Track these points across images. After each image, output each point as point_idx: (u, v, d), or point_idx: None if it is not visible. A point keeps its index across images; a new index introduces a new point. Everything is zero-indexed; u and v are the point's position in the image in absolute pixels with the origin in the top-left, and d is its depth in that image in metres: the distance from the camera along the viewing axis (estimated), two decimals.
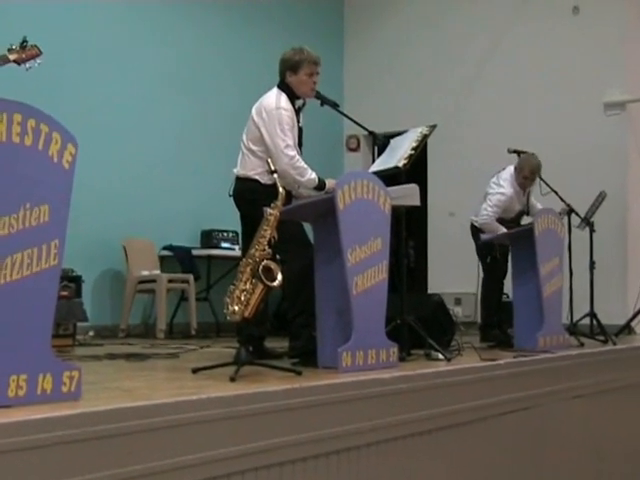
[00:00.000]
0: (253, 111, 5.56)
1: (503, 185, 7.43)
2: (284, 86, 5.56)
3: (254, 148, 5.50)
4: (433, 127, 5.81)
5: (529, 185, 7.49)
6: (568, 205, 7.77)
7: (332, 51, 11.73)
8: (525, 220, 7.54)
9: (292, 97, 5.53)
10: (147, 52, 9.31)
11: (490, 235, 7.11)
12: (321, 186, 5.44)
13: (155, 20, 9.43)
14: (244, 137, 5.62)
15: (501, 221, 7.35)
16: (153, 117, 9.30)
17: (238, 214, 5.66)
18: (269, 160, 4.68)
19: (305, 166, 5.42)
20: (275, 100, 5.46)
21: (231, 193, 5.63)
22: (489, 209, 7.34)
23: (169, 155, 9.41)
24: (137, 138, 9.07)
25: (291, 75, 5.53)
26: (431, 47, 11.39)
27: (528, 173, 7.36)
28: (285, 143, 5.37)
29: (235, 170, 5.64)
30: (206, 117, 9.84)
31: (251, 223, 4.94)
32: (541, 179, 7.35)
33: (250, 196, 5.40)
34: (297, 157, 5.41)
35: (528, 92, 10.57)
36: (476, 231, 7.40)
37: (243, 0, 10.42)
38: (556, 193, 7.55)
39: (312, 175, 5.42)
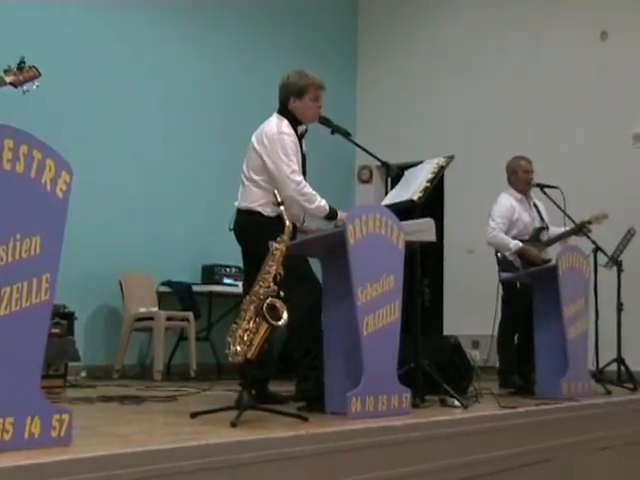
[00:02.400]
0: (253, 139, 5.55)
1: (499, 198, 7.54)
2: (285, 112, 5.57)
3: (256, 178, 5.48)
4: (450, 158, 5.80)
5: (528, 186, 7.51)
6: (594, 242, 7.76)
7: (345, 79, 11.90)
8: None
9: (294, 123, 5.54)
10: (146, 78, 9.38)
11: (510, 274, 7.12)
12: (332, 215, 5.41)
13: (154, 47, 9.48)
14: (245, 167, 5.60)
15: (521, 241, 7.33)
16: (152, 146, 9.35)
17: (241, 248, 5.62)
18: (275, 191, 4.68)
19: (313, 192, 5.39)
20: (276, 126, 5.47)
21: (232, 227, 5.60)
22: (492, 223, 7.38)
23: (169, 186, 9.46)
24: (135, 167, 9.10)
25: (295, 100, 5.54)
26: (448, 76, 11.46)
27: (523, 170, 7.49)
28: (290, 169, 5.35)
29: (236, 203, 5.61)
30: (210, 147, 9.88)
31: (254, 258, 4.93)
32: (565, 213, 7.34)
33: (253, 230, 5.38)
34: (304, 183, 5.39)
35: (552, 122, 10.62)
36: (500, 267, 7.42)
37: (251, 29, 10.57)
38: (578, 226, 7.46)
39: (322, 202, 5.39)
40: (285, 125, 5.48)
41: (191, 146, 9.74)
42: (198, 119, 9.88)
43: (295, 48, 10.77)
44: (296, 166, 5.39)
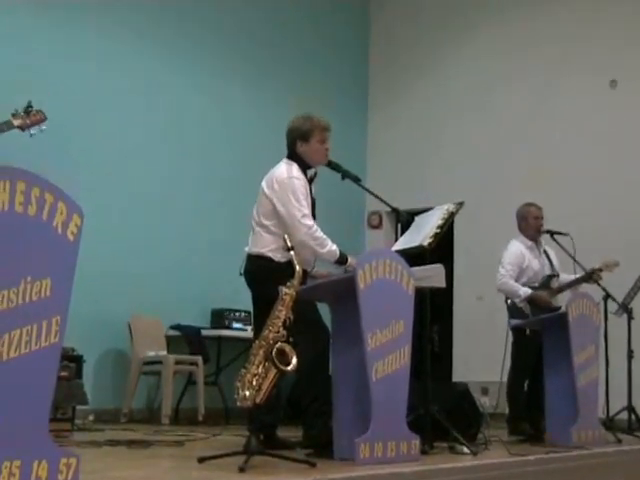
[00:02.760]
0: (263, 184, 5.56)
1: (509, 245, 7.55)
2: (294, 156, 5.59)
3: (266, 223, 5.48)
4: (460, 205, 5.82)
5: (538, 232, 7.51)
6: (604, 289, 7.75)
7: (355, 124, 11.95)
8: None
9: (303, 167, 5.55)
10: (155, 122, 9.39)
11: (520, 321, 7.10)
12: (343, 260, 5.40)
13: (164, 93, 9.50)
14: (255, 213, 5.61)
15: (531, 289, 7.32)
16: (163, 190, 9.36)
17: (251, 293, 5.61)
18: (286, 236, 4.67)
19: (325, 237, 5.39)
20: (286, 170, 5.48)
21: (242, 272, 5.58)
22: (502, 270, 7.39)
23: (179, 229, 9.45)
24: (146, 210, 9.11)
25: (302, 144, 5.55)
26: (458, 122, 11.50)
27: (533, 217, 7.50)
28: (302, 213, 5.36)
29: (246, 248, 5.60)
30: (220, 192, 9.85)
31: (264, 303, 4.88)
32: (575, 261, 7.33)
33: (263, 275, 5.36)
34: (316, 227, 5.39)
35: (563, 168, 10.59)
36: (510, 314, 7.38)
37: (261, 74, 10.58)
38: (588, 274, 7.39)
39: (333, 247, 5.39)
40: (295, 169, 5.50)
41: (202, 190, 9.75)
42: (208, 163, 9.90)
43: (305, 92, 10.75)
44: (307, 210, 5.40)
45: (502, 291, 7.42)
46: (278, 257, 5.32)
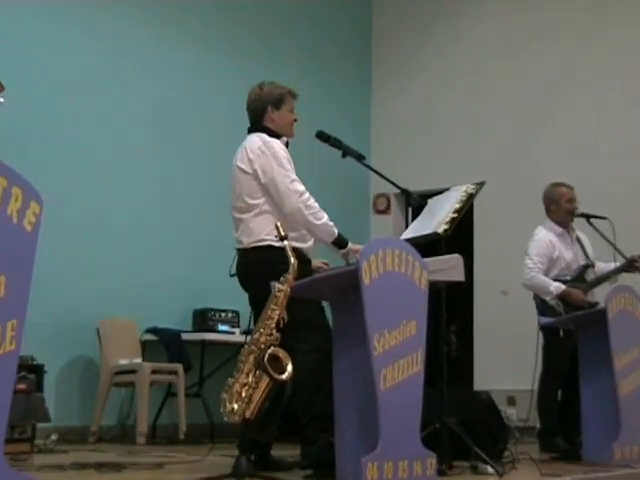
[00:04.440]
0: (237, 162, 5.54)
1: (536, 233, 7.54)
2: (261, 129, 5.59)
3: (255, 202, 5.41)
4: (481, 185, 5.80)
5: (571, 217, 7.50)
6: None
7: (357, 95, 11.86)
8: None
9: (275, 137, 5.58)
10: (131, 102, 9.34)
11: (551, 320, 7.09)
12: (342, 242, 5.39)
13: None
14: (235, 199, 5.55)
15: (563, 282, 7.33)
16: (134, 169, 9.27)
17: (239, 289, 5.55)
18: (278, 224, 4.62)
19: (319, 208, 5.36)
20: (260, 138, 5.50)
21: (234, 272, 5.51)
22: (529, 262, 7.39)
23: (156, 217, 9.38)
24: (117, 199, 9.04)
25: (273, 111, 5.62)
26: (475, 93, 11.45)
27: (566, 199, 7.47)
28: (290, 178, 5.37)
29: (236, 245, 5.53)
30: (201, 174, 9.76)
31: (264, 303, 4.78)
32: (614, 247, 7.27)
33: (265, 269, 5.09)
34: (308, 194, 5.37)
35: (599, 142, 10.54)
36: (540, 312, 7.40)
37: (260, 46, 10.54)
38: (629, 262, 7.34)
39: (330, 222, 5.38)
40: (268, 137, 5.51)
41: (182, 176, 9.68)
42: (192, 142, 9.84)
43: (306, 61, 10.84)
44: (295, 175, 5.40)
45: (529, 287, 7.42)
46: (279, 242, 4.99)
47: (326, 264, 5.64)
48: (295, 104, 5.71)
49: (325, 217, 5.37)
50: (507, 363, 10.06)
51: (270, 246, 5.28)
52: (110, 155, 9.07)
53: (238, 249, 5.53)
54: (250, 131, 5.66)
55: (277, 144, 5.48)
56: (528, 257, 7.41)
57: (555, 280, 7.34)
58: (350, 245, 5.38)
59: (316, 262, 5.58)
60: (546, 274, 7.37)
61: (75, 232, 8.52)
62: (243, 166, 5.49)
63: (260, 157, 5.42)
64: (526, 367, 7.64)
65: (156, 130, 9.56)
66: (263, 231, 5.37)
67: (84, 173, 8.76)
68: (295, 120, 5.69)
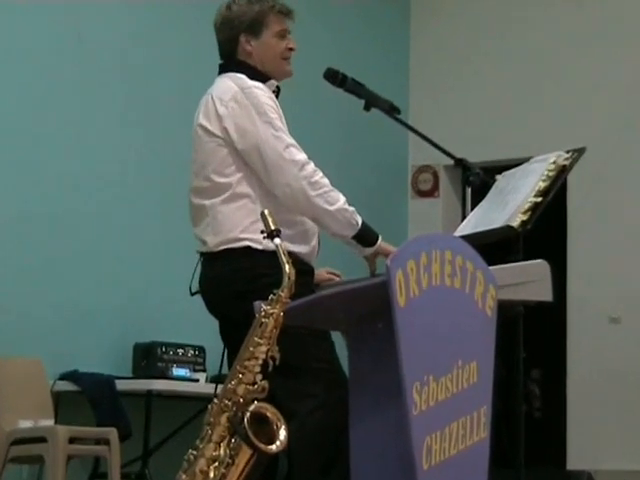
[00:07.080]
0: (200, 120, 5.02)
1: None
2: (237, 67, 5.09)
3: (223, 181, 4.81)
4: (579, 153, 5.25)
5: None
6: None
7: (395, 48, 11.73)
8: None
9: (257, 79, 5.05)
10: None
11: None
12: (368, 237, 4.90)
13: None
14: (195, 179, 5.02)
15: None
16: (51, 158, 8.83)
17: (204, 314, 4.96)
18: (266, 212, 3.99)
19: (331, 186, 4.85)
20: (234, 83, 5.00)
21: (197, 288, 4.93)
22: None
23: (80, 217, 8.89)
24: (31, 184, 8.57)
25: (250, 40, 5.05)
26: (554, 30, 11.13)
27: None
28: (284, 142, 4.76)
29: (199, 247, 4.95)
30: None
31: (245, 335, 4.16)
32: None
33: (242, 284, 4.72)
34: (313, 165, 4.77)
35: None
36: None
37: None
38: None
39: (350, 208, 4.84)
40: (247, 78, 4.95)
41: (126, 167, 9.46)
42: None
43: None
44: (290, 137, 4.82)
45: None
46: (263, 242, 4.47)
47: (337, 275, 5.16)
48: (289, 25, 5.09)
49: (342, 199, 4.75)
50: (619, 429, 9.75)
51: (249, 248, 4.71)
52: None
53: (201, 253, 4.91)
54: (220, 72, 5.07)
55: (261, 90, 4.86)
56: None
57: None
58: (380, 243, 4.87)
59: (322, 272, 5.04)
60: None
61: None
62: (207, 125, 4.87)
63: (235, 110, 4.82)
64: None
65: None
66: (239, 225, 4.76)
67: None
68: (290, 49, 5.06)
